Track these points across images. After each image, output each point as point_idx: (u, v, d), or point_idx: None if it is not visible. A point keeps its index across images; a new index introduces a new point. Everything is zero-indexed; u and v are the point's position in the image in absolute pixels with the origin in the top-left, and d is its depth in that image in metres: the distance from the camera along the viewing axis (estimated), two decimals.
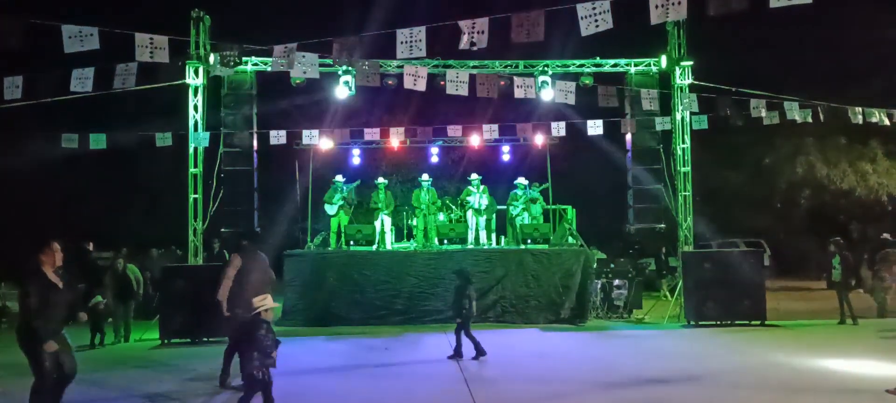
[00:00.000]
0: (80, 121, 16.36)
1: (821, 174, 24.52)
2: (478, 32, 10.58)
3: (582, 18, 9.87)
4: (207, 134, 14.97)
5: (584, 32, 9.91)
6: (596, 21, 9.81)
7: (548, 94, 15.31)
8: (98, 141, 15.45)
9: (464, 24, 10.66)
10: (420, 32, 10.95)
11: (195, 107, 14.76)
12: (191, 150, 14.73)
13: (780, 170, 25.43)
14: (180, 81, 14.59)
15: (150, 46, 11.39)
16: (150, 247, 18.44)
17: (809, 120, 16.16)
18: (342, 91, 15.25)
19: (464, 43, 10.67)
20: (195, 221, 14.70)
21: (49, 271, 6.96)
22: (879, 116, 16.39)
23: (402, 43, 10.98)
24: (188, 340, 12.86)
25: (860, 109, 16.29)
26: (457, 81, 13.38)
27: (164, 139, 15.78)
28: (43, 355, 6.75)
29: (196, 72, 14.68)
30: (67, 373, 7.17)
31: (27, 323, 6.80)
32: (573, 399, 8.46)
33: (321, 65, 12.81)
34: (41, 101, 13.16)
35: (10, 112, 12.89)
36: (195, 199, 14.72)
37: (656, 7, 9.59)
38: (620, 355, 11.14)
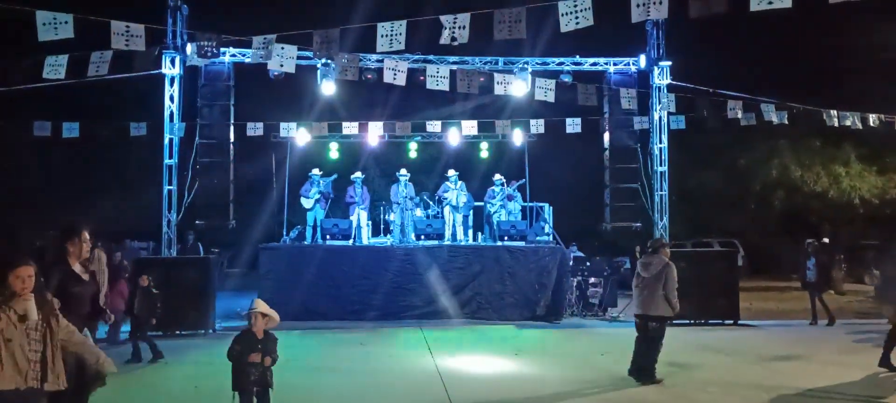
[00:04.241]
0: (54, 109, 16.09)
1: (795, 176, 24.75)
2: (459, 28, 10.54)
3: (563, 15, 9.86)
4: (183, 124, 14.78)
5: (563, 29, 9.88)
6: (576, 18, 9.81)
7: (527, 91, 15.27)
8: (71, 130, 15.20)
9: (445, 19, 10.62)
10: (401, 26, 10.88)
11: (171, 98, 14.57)
12: (166, 141, 14.55)
13: (755, 172, 25.64)
14: (156, 71, 14.37)
15: (126, 35, 11.17)
16: (123, 238, 18.20)
17: (785, 121, 16.32)
18: (327, 86, 15.08)
19: (444, 38, 10.62)
20: (169, 213, 14.52)
21: (74, 262, 6.30)
22: (853, 120, 16.59)
23: (382, 36, 10.89)
24: (159, 333, 12.62)
25: (835, 112, 16.48)
26: (437, 76, 13.34)
27: (138, 129, 15.57)
28: None
29: (172, 62, 14.48)
30: (90, 377, 6.54)
31: None
32: (548, 396, 8.48)
33: (300, 57, 12.68)
34: (13, 89, 12.89)
35: None
36: (170, 191, 14.54)
37: (637, 5, 9.60)
38: (595, 352, 11.19)
